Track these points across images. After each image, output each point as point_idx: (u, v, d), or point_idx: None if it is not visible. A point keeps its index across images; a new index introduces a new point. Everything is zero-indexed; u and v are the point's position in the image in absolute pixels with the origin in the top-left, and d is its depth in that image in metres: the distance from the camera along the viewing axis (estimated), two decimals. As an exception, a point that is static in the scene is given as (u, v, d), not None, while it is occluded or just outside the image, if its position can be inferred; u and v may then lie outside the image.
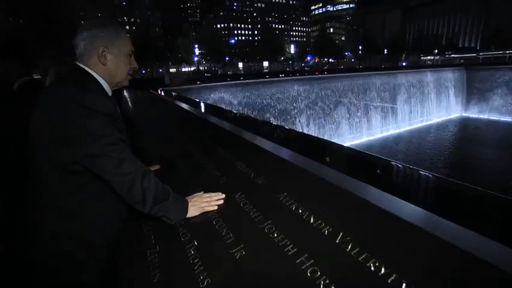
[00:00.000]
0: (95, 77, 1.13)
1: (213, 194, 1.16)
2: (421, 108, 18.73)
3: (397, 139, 15.51)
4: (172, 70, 61.84)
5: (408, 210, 0.78)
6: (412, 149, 13.97)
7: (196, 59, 56.34)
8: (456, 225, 0.67)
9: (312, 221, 0.85)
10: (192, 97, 8.16)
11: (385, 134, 16.11)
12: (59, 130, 0.99)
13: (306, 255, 0.73)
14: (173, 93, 7.30)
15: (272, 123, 2.93)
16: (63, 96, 1.02)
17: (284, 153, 1.44)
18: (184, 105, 3.98)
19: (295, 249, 0.76)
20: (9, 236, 1.24)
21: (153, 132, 2.99)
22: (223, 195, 1.15)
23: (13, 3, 25.43)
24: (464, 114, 20.95)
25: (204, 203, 1.11)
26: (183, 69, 61.62)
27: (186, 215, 1.07)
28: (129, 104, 6.17)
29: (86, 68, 1.12)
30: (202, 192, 1.18)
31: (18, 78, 2.18)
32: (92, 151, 0.97)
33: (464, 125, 19.14)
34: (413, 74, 18.92)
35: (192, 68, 59.66)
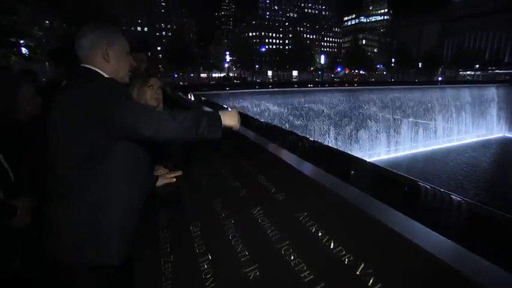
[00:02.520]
0: (102, 74, 1.22)
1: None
2: (458, 126, 17.60)
3: (429, 157, 14.52)
4: (203, 75, 63.77)
5: (437, 242, 0.70)
6: (444, 169, 12.83)
7: (226, 65, 57.65)
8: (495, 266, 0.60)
9: (332, 246, 0.80)
10: (220, 103, 8.31)
11: (415, 150, 15.23)
12: (89, 114, 1.07)
13: (323, 284, 0.68)
14: (202, 98, 7.48)
15: (297, 134, 2.88)
16: (86, 89, 1.11)
17: (308, 168, 1.39)
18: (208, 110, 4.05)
19: (311, 276, 0.71)
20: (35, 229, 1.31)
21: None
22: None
23: (67, 11, 27.90)
24: (508, 135, 19.38)
25: (236, 118, 1.27)
26: (214, 75, 63.29)
27: (222, 126, 1.18)
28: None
29: (93, 68, 1.21)
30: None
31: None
32: (132, 115, 1.07)
33: (507, 146, 17.65)
34: (450, 89, 17.90)
35: (222, 74, 61.07)
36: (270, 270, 0.78)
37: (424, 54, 63.07)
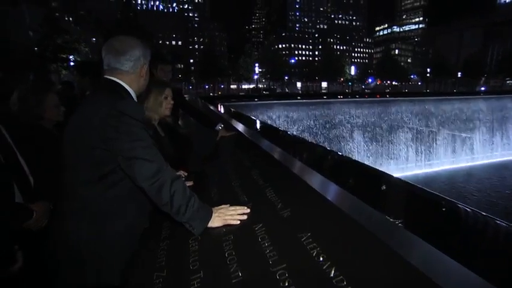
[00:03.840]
0: (126, 89, 1.23)
1: (238, 207, 1.17)
2: (504, 140, 16.01)
3: (469, 174, 13.21)
4: (233, 86, 65.36)
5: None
6: (486, 188, 11.43)
7: (256, 77, 58.61)
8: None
9: (332, 274, 0.70)
10: (249, 113, 8.36)
11: (453, 166, 13.99)
12: (98, 133, 1.07)
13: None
14: (232, 109, 7.57)
15: (321, 146, 2.76)
16: (103, 104, 1.10)
17: (322, 184, 1.30)
18: (234, 121, 4.06)
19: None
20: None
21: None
22: (248, 210, 1.15)
23: (109, 29, 30.53)
24: None
25: (228, 215, 1.12)
26: (243, 86, 64.58)
27: (207, 224, 1.08)
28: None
29: (119, 81, 1.22)
30: (229, 205, 1.18)
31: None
32: (128, 153, 1.05)
33: None
34: (496, 99, 16.48)
35: (252, 86, 62.09)
36: (262, 297, 0.70)
37: (464, 63, 59.15)
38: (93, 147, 1.08)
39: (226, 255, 0.91)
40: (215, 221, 1.10)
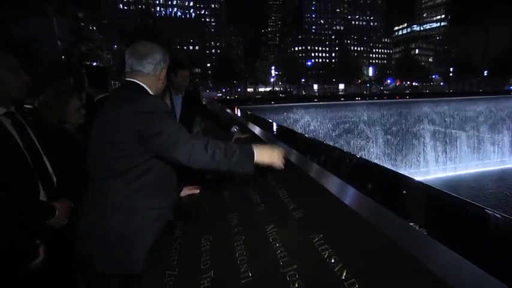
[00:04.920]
0: (146, 89, 1.30)
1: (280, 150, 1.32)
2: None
3: (497, 177, 12.45)
4: (249, 89, 65.74)
5: None
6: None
7: (272, 79, 58.69)
8: None
9: (344, 276, 0.68)
10: (265, 116, 8.36)
11: (479, 169, 13.22)
12: (129, 127, 1.13)
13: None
14: (248, 112, 7.61)
15: (335, 148, 2.71)
16: (131, 100, 1.17)
17: (333, 184, 1.27)
18: (250, 123, 4.07)
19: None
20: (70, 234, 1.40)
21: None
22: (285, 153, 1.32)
23: (129, 36, 31.80)
24: None
25: (275, 155, 1.27)
26: (260, 89, 64.82)
27: (254, 161, 1.19)
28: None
29: (140, 83, 1.29)
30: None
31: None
32: (167, 139, 1.12)
33: None
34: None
35: (268, 89, 62.18)
36: (271, 298, 0.69)
37: (490, 61, 56.17)
38: (121, 143, 1.14)
39: (237, 255, 0.91)
40: (260, 156, 1.22)
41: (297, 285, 0.70)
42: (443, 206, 1.12)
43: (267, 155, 1.23)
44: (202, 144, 1.13)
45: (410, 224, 0.84)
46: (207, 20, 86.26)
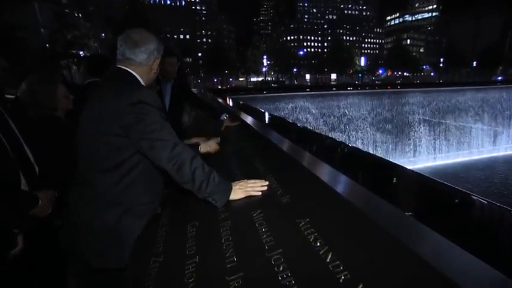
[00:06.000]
0: (138, 79, 1.25)
1: (257, 180, 1.22)
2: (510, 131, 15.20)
3: (488, 165, 12.69)
4: (241, 79, 65.15)
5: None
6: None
7: (264, 69, 58.17)
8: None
9: (328, 259, 0.68)
10: (257, 106, 8.30)
11: (468, 158, 13.51)
12: (118, 121, 1.09)
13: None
14: (240, 102, 7.53)
15: (325, 136, 2.71)
16: (122, 93, 1.12)
17: (322, 170, 1.27)
18: (240, 112, 4.03)
19: (298, 291, 0.61)
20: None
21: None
22: (267, 182, 1.20)
23: (117, 24, 30.83)
24: None
25: (249, 187, 1.17)
26: (252, 79, 64.28)
27: (229, 197, 1.14)
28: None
29: (131, 71, 1.23)
30: (246, 179, 1.22)
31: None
32: (149, 136, 1.08)
33: None
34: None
35: (260, 78, 61.69)
36: (256, 282, 0.69)
37: (479, 52, 56.97)
38: (111, 135, 1.10)
39: (223, 241, 0.89)
40: (237, 193, 1.15)
41: (281, 268, 0.70)
42: (428, 191, 1.13)
43: (242, 193, 1.16)
44: (189, 155, 1.11)
45: (397, 208, 0.85)
46: (198, 7, 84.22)
